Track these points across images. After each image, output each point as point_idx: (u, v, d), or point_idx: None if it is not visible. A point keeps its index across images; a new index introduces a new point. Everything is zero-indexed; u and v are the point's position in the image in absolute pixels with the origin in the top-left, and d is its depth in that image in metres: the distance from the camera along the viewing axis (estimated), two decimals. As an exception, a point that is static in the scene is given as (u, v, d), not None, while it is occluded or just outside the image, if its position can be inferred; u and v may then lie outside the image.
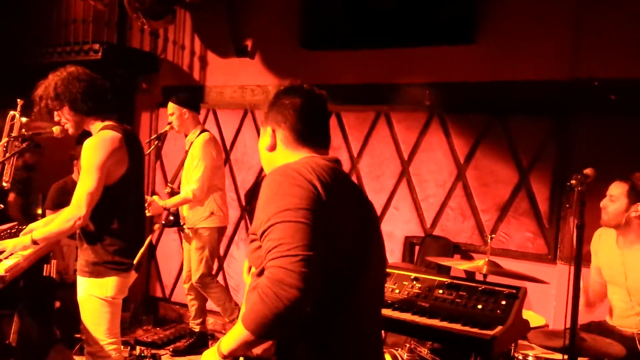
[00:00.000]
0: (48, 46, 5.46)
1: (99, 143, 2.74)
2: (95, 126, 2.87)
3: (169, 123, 4.55)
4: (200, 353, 4.55)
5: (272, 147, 1.84)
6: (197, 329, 4.74)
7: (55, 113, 2.86)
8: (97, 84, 2.86)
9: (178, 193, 4.51)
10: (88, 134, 2.91)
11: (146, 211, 4.17)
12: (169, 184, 4.63)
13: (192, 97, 4.71)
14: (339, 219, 1.64)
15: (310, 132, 1.82)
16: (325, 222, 1.57)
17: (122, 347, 3.04)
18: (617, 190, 3.23)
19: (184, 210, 4.55)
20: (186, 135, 4.63)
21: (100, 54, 5.17)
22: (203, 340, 4.74)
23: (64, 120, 2.87)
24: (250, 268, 1.80)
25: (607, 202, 3.25)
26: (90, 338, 2.84)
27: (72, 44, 5.33)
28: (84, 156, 2.72)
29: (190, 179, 4.42)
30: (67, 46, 5.35)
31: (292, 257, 1.48)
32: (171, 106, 4.50)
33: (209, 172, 4.39)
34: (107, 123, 2.85)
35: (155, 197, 4.39)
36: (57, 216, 2.87)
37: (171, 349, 4.68)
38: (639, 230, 3.20)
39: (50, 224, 2.79)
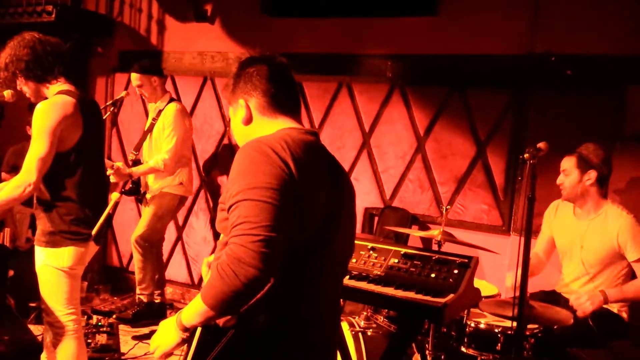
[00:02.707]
0: (-2, 6, 5.23)
1: (49, 107, 2.67)
2: (50, 91, 2.80)
3: (126, 89, 4.43)
4: (147, 324, 4.51)
5: (249, 119, 1.78)
6: (145, 299, 4.62)
7: (17, 80, 2.80)
8: (47, 49, 2.76)
9: (140, 161, 4.43)
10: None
11: (111, 177, 4.12)
12: (133, 152, 4.51)
13: (154, 62, 4.59)
14: (309, 196, 1.63)
15: (283, 95, 1.79)
16: (294, 200, 1.56)
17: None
18: (567, 164, 3.31)
19: (149, 180, 4.47)
20: (150, 102, 4.51)
21: (53, 15, 4.97)
22: (153, 311, 4.66)
23: (24, 88, 2.81)
24: (209, 265, 1.83)
25: (562, 178, 3.33)
26: (48, 308, 2.80)
27: (25, 5, 5.10)
28: (35, 121, 2.64)
29: (160, 149, 4.34)
30: (19, 7, 5.12)
31: (253, 237, 1.47)
32: (136, 77, 4.35)
33: (181, 143, 4.34)
34: (62, 87, 2.77)
35: (119, 164, 4.29)
36: (8, 182, 2.79)
37: (115, 317, 4.51)
38: (596, 198, 3.29)
39: (0, 191, 2.71)
